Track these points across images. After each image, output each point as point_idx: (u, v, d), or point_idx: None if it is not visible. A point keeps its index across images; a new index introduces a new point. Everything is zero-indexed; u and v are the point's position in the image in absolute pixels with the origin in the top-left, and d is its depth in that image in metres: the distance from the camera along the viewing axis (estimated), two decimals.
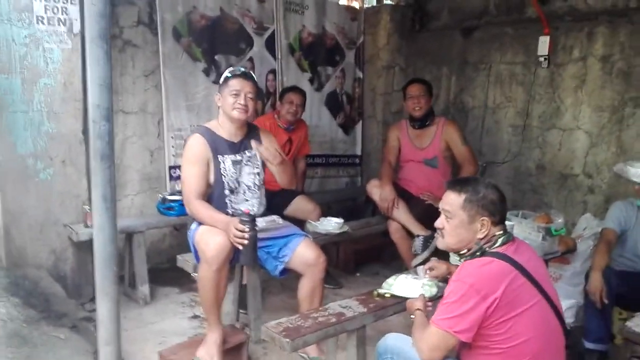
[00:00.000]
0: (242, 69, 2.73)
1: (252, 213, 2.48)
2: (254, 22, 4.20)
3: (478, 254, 1.83)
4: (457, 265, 2.27)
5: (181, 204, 3.45)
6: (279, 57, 4.39)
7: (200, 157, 2.60)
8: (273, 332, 1.99)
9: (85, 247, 3.22)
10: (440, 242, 1.97)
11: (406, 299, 2.24)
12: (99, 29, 1.77)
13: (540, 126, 3.99)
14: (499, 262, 1.75)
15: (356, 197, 4.89)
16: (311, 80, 4.63)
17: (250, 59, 4.21)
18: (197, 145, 2.62)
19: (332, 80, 4.80)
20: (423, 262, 2.84)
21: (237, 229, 2.36)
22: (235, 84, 2.61)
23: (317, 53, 4.65)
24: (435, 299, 2.27)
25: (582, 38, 3.74)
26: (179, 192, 3.59)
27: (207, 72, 3.97)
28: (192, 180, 2.58)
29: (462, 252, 1.90)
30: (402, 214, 3.45)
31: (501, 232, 1.84)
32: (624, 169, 2.06)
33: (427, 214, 3.54)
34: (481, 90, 4.36)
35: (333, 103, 4.83)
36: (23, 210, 3.12)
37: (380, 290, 2.34)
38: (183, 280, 3.56)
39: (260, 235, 2.56)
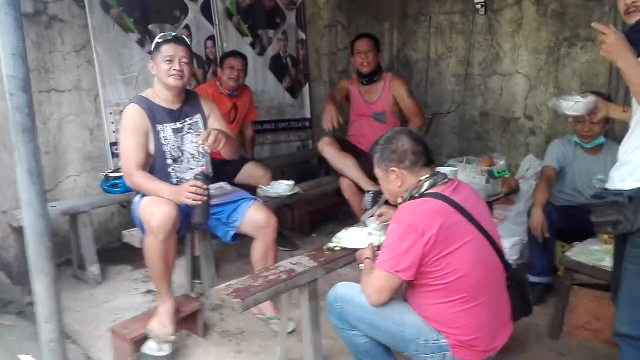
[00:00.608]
0: (173, 34, 2.64)
1: (206, 172, 2.47)
2: None
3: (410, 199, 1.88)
4: None
5: None
6: (217, 22, 4.26)
7: (138, 127, 2.52)
8: (223, 294, 1.97)
9: None
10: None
11: (356, 250, 2.26)
12: None
13: (481, 74, 4.05)
14: (435, 202, 1.79)
15: (309, 160, 4.88)
16: (253, 45, 4.53)
17: (187, 27, 4.06)
18: (134, 115, 2.53)
19: (274, 44, 4.70)
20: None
21: (193, 186, 2.34)
22: (168, 49, 2.52)
23: (257, 16, 4.53)
24: None
25: None
26: None
27: (141, 43, 3.82)
28: (131, 152, 2.50)
29: (398, 202, 1.97)
30: (353, 171, 3.45)
31: (427, 175, 1.87)
32: (557, 104, 2.11)
33: None
34: (423, 42, 4.37)
35: (278, 67, 4.74)
36: None
37: (330, 245, 2.35)
38: (136, 258, 3.48)
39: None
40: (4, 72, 1.75)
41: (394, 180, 1.92)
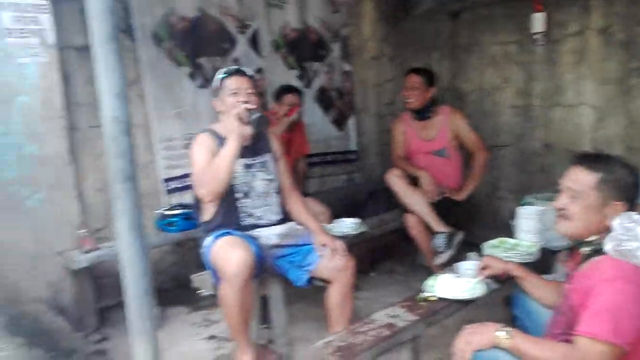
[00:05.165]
0: (235, 67, 2.63)
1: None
2: (236, 20, 3.99)
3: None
4: (512, 262, 2.14)
5: (184, 217, 3.25)
6: (265, 55, 4.19)
7: (212, 151, 2.44)
8: (325, 353, 1.80)
9: (83, 275, 2.98)
10: (562, 226, 1.67)
11: (453, 300, 2.11)
12: (108, 28, 1.54)
13: (542, 104, 3.90)
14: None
15: (355, 195, 4.72)
16: (299, 77, 4.44)
17: (236, 59, 3.99)
18: (207, 141, 2.49)
19: (320, 76, 4.61)
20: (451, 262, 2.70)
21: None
22: (232, 83, 2.50)
23: (302, 48, 4.45)
24: (483, 298, 2.14)
25: (576, 12, 3.65)
26: (179, 206, 3.38)
27: (192, 77, 3.75)
28: (205, 165, 2.42)
29: (588, 240, 1.61)
30: (423, 207, 3.28)
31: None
32: None
33: (445, 208, 3.39)
34: (475, 73, 4.25)
35: (323, 99, 4.64)
36: (13, 241, 2.84)
37: (425, 294, 2.17)
38: (191, 299, 3.35)
39: (281, 243, 2.51)
40: (104, 114, 1.65)
41: (608, 213, 1.56)
